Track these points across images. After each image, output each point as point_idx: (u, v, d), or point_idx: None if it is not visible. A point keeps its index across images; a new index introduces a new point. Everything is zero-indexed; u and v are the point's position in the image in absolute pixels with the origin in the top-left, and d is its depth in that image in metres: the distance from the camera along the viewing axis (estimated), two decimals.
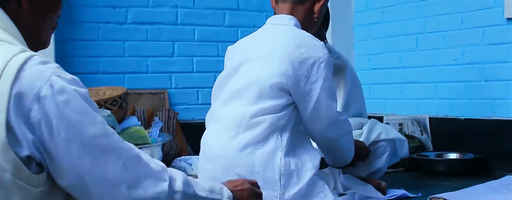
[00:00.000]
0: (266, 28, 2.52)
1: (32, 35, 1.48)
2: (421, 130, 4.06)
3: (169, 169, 1.50)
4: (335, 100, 2.42)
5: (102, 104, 3.18)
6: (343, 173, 2.91)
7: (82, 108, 1.33)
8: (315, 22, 2.57)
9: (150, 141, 3.18)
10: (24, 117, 1.28)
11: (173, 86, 4.41)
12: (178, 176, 1.48)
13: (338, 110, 2.47)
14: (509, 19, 3.58)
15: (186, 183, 1.49)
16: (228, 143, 2.31)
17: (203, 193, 1.53)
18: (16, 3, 1.45)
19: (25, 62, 1.30)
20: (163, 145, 3.45)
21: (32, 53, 1.34)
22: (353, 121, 2.99)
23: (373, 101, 4.45)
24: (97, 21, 4.18)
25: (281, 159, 2.25)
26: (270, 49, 2.38)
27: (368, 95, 4.42)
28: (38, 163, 1.32)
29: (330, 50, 3.06)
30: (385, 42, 4.46)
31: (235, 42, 2.60)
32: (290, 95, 2.34)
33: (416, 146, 3.94)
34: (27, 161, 1.29)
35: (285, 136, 2.31)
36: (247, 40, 2.55)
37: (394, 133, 3.09)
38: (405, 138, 3.12)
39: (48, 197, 1.33)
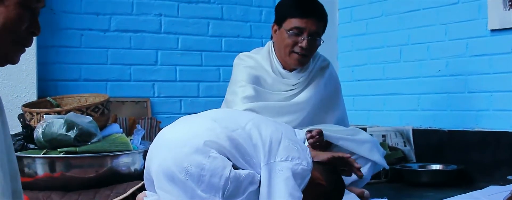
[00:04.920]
0: None
1: None
2: (404, 142, 4.05)
3: None
4: None
5: (83, 110, 3.14)
6: None
7: None
8: None
9: (132, 148, 3.15)
10: None
11: (156, 94, 4.38)
12: None
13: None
14: (492, 30, 3.59)
15: None
16: (192, 136, 2.21)
17: None
18: None
19: None
20: (145, 153, 3.41)
21: None
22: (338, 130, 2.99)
23: (356, 113, 4.44)
24: (80, 28, 4.14)
25: (231, 171, 2.15)
26: None
27: (352, 107, 4.41)
28: None
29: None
30: (369, 53, 4.46)
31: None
32: None
33: (399, 157, 3.93)
34: None
35: None
36: None
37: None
38: (384, 151, 3.11)
39: None
